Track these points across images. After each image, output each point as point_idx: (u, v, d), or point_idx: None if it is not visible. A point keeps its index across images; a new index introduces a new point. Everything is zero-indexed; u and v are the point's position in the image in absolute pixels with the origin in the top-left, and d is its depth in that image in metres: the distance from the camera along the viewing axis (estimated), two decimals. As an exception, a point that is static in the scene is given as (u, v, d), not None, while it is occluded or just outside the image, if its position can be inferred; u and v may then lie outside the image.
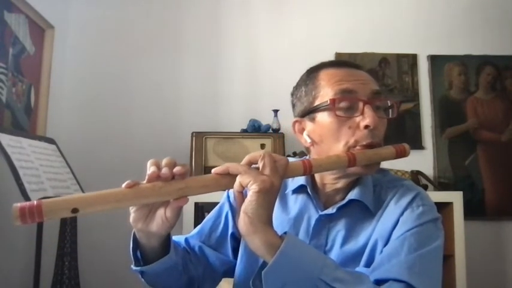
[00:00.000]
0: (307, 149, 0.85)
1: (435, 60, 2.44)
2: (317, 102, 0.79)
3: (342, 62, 0.84)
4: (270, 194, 0.66)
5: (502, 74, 2.44)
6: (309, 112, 0.81)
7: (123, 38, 2.37)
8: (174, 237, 0.81)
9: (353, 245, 0.78)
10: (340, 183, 0.81)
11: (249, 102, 2.35)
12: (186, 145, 2.16)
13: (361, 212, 0.79)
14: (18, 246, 1.83)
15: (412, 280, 0.67)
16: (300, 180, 0.84)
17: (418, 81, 2.43)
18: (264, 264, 0.66)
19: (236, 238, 0.89)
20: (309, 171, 0.72)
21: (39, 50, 2.08)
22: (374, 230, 0.77)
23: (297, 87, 0.86)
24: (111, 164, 2.21)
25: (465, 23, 2.47)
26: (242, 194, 0.69)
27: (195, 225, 0.97)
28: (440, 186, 2.30)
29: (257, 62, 2.40)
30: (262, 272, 0.64)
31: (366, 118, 0.75)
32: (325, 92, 0.78)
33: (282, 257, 0.64)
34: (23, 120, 1.92)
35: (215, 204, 0.95)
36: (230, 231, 0.89)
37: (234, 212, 0.87)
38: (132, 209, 0.69)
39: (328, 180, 0.82)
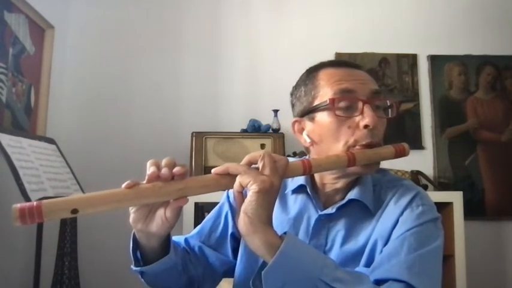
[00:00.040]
0: (307, 148, 0.85)
1: (435, 60, 2.44)
2: (316, 102, 0.79)
3: (341, 61, 0.84)
4: (270, 194, 0.66)
5: (502, 74, 2.44)
6: (308, 112, 0.80)
7: (123, 38, 2.37)
8: (174, 238, 0.81)
9: (353, 245, 0.78)
10: (340, 183, 0.81)
11: (249, 102, 2.35)
12: (186, 145, 2.16)
13: (361, 212, 0.79)
14: (18, 246, 1.83)
15: (412, 280, 0.67)
16: (300, 180, 0.84)
17: (418, 81, 2.43)
18: (264, 264, 0.66)
19: (236, 238, 0.89)
20: (308, 171, 0.72)
21: (39, 50, 2.08)
22: (374, 230, 0.77)
23: (296, 87, 0.86)
24: (111, 164, 2.21)
25: (465, 23, 2.47)
26: (242, 194, 0.69)
27: (195, 225, 0.97)
28: (440, 186, 2.30)
29: (257, 62, 2.40)
30: (262, 272, 0.64)
31: (365, 118, 0.75)
32: (325, 92, 0.78)
33: (282, 257, 0.64)
34: (23, 120, 1.92)
35: (215, 204, 0.95)
36: (230, 231, 0.89)
37: (234, 212, 0.87)
38: (131, 210, 0.69)
39: (328, 180, 0.82)
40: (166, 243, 0.75)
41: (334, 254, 0.78)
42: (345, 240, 0.78)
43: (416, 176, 2.19)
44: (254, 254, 0.69)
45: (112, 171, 2.13)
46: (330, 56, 2.33)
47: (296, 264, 0.65)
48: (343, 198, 0.81)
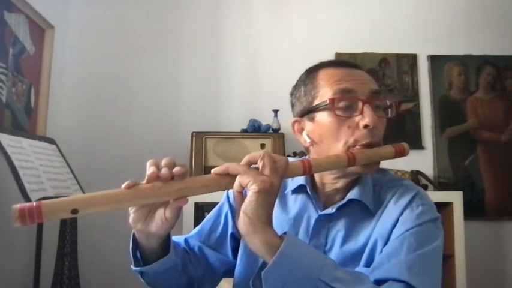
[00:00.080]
0: (307, 148, 0.85)
1: (435, 60, 2.44)
2: (316, 102, 0.79)
3: (341, 61, 0.84)
4: (270, 194, 0.66)
5: (502, 74, 2.44)
6: (308, 112, 0.80)
7: (123, 38, 2.37)
8: (174, 238, 0.81)
9: (353, 245, 0.78)
10: (340, 183, 0.81)
11: (249, 102, 2.35)
12: (186, 145, 2.16)
13: (361, 212, 0.79)
14: (18, 246, 1.83)
15: (412, 280, 0.67)
16: (300, 180, 0.84)
17: (418, 81, 2.43)
18: (264, 264, 0.66)
19: (236, 238, 0.89)
20: (308, 171, 0.72)
21: (39, 50, 2.08)
22: (374, 230, 0.77)
23: (296, 87, 0.86)
24: (111, 164, 2.21)
25: (465, 23, 2.47)
26: (242, 194, 0.69)
27: (195, 225, 0.97)
28: (440, 186, 2.30)
29: (257, 62, 2.40)
30: (262, 272, 0.64)
31: (365, 117, 0.75)
32: (324, 92, 0.78)
33: (282, 257, 0.64)
34: (23, 120, 1.92)
35: (215, 204, 0.95)
36: (230, 231, 0.89)
37: (234, 212, 0.87)
38: (131, 210, 0.69)
39: (328, 180, 0.82)
40: (166, 244, 0.75)
41: (334, 254, 0.78)
42: (344, 240, 0.78)
43: (416, 176, 2.19)
44: (254, 254, 0.69)
45: (112, 171, 2.13)
46: (330, 56, 2.33)
47: (296, 264, 0.65)
48: (343, 198, 0.81)
